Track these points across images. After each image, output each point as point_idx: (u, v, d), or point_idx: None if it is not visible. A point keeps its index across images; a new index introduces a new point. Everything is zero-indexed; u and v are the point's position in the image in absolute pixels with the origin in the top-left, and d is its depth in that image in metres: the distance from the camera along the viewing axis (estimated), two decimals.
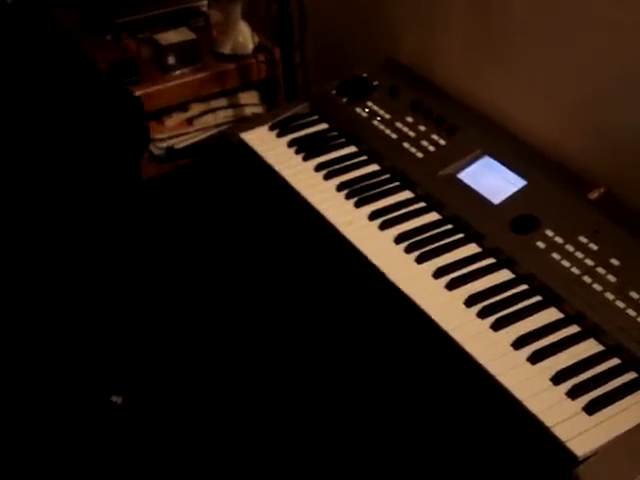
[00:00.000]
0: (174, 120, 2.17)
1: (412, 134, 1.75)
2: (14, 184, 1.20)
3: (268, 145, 1.81)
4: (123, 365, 1.50)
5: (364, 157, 1.76)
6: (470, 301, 1.38)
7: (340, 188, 1.67)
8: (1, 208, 1.19)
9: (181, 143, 2.17)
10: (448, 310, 1.37)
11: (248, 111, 2.22)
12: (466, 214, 1.55)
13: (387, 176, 1.70)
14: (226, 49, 2.16)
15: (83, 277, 1.31)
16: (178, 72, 2.12)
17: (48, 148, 1.24)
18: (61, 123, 1.27)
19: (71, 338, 1.32)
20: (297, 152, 1.78)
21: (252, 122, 1.93)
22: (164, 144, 2.16)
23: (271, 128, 1.86)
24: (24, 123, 1.23)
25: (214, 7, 2.34)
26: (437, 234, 1.53)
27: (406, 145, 1.73)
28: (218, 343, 1.88)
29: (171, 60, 2.12)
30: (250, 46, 2.16)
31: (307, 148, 1.78)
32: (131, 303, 1.39)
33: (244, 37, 2.15)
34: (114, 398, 1.49)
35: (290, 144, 1.81)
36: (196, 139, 2.19)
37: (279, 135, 1.84)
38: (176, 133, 2.17)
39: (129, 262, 1.48)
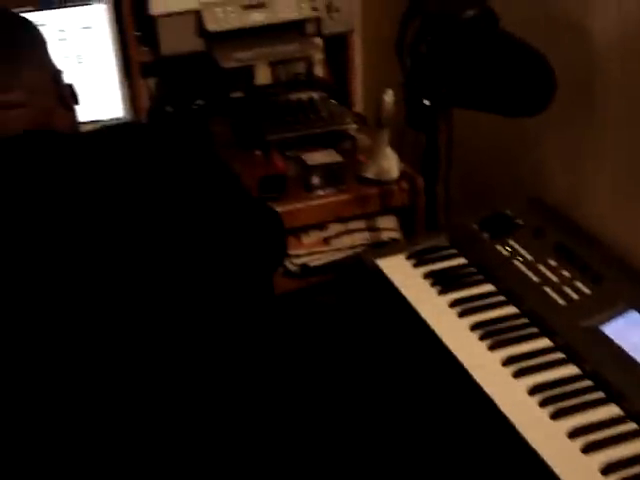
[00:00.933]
0: (311, 238, 2.19)
1: (555, 279, 1.68)
2: (150, 296, 1.22)
3: (403, 275, 1.79)
4: None
5: (502, 297, 1.70)
6: (607, 471, 1.28)
7: (474, 328, 1.61)
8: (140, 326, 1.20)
9: (316, 261, 2.19)
10: (582, 477, 1.27)
11: (385, 236, 2.21)
12: (608, 372, 1.46)
13: (525, 320, 1.63)
14: (370, 174, 2.18)
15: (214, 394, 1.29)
16: (321, 192, 2.15)
17: (185, 258, 1.26)
18: (199, 233, 1.29)
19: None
20: (433, 285, 1.75)
21: (389, 249, 1.92)
22: (299, 261, 2.17)
23: (408, 257, 1.84)
24: (161, 231, 1.24)
25: (363, 132, 2.38)
26: (575, 390, 1.44)
27: (547, 290, 1.67)
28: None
29: (315, 180, 2.15)
30: (394, 173, 2.17)
31: (443, 282, 1.75)
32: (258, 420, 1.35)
33: (389, 164, 2.17)
34: None
35: (426, 276, 1.78)
36: (331, 259, 2.20)
37: (415, 265, 1.81)
38: (312, 251, 2.19)
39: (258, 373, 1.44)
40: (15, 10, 1.77)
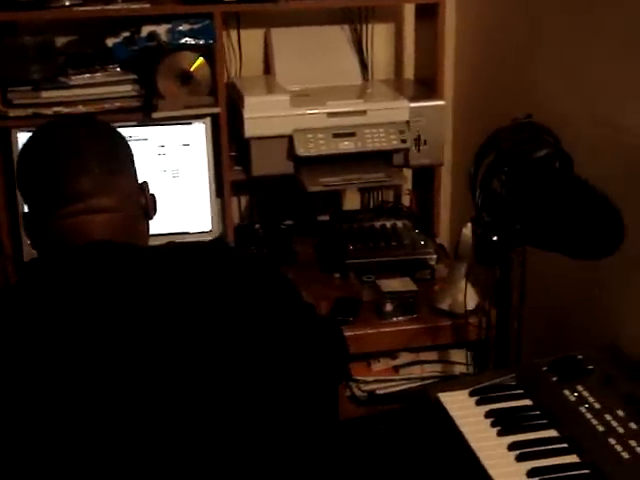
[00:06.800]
0: (381, 365, 2.18)
1: (621, 430, 1.60)
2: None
3: (464, 411, 1.74)
4: None
5: (564, 444, 1.63)
6: None
7: (531, 474, 1.54)
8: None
9: (384, 389, 2.17)
10: None
11: (456, 369, 2.18)
12: None
13: (586, 471, 1.55)
14: (444, 305, 2.17)
15: None
16: (393, 320, 2.15)
17: (241, 371, 1.28)
18: (256, 347, 1.31)
19: None
20: (493, 425, 1.69)
21: (453, 383, 1.88)
22: (367, 387, 2.16)
23: (471, 394, 1.79)
24: (214, 344, 1.27)
25: (442, 263, 2.39)
26: None
27: (612, 441, 1.58)
28: None
29: (388, 307, 2.16)
30: (469, 306, 2.15)
31: (504, 423, 1.69)
32: None
33: (464, 296, 2.15)
34: None
35: (487, 414, 1.72)
36: (399, 388, 2.18)
37: (478, 403, 1.76)
38: (381, 378, 2.17)
39: None
40: (120, 124, 1.91)
